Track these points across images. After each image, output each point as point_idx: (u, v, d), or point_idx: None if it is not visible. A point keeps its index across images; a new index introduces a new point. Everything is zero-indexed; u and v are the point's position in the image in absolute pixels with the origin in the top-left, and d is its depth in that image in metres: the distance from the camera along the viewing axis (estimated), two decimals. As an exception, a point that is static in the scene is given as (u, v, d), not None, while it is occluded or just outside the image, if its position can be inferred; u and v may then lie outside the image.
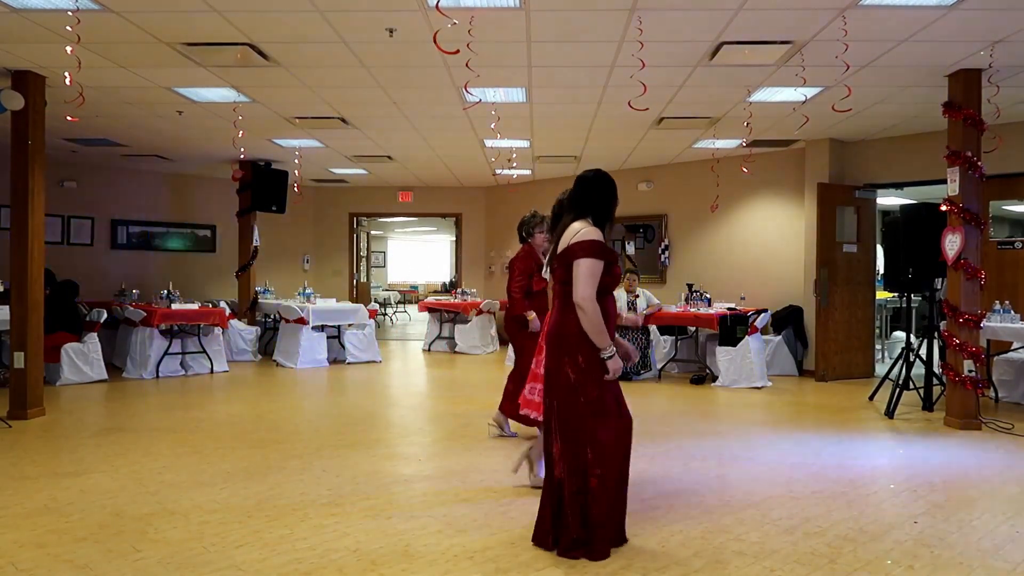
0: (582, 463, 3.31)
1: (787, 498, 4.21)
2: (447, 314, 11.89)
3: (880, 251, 9.55)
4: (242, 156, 10.04)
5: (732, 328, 8.29)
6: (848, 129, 8.39)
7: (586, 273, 3.27)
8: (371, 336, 10.43)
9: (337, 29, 5.21)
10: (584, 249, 3.30)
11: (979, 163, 6.06)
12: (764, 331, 8.94)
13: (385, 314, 18.41)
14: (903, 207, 7.47)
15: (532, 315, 5.45)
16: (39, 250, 6.38)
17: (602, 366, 3.31)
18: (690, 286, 9.28)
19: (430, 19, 4.89)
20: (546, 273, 5.34)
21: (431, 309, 12.10)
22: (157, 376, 8.66)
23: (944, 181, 6.31)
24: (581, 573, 3.14)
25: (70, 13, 4.80)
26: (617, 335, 3.80)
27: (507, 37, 5.35)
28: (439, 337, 11.95)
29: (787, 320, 9.30)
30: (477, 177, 12.48)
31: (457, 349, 11.63)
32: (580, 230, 3.36)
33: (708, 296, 9.03)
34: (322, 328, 9.97)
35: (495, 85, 6.57)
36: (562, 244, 3.41)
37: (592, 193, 3.47)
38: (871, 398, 7.46)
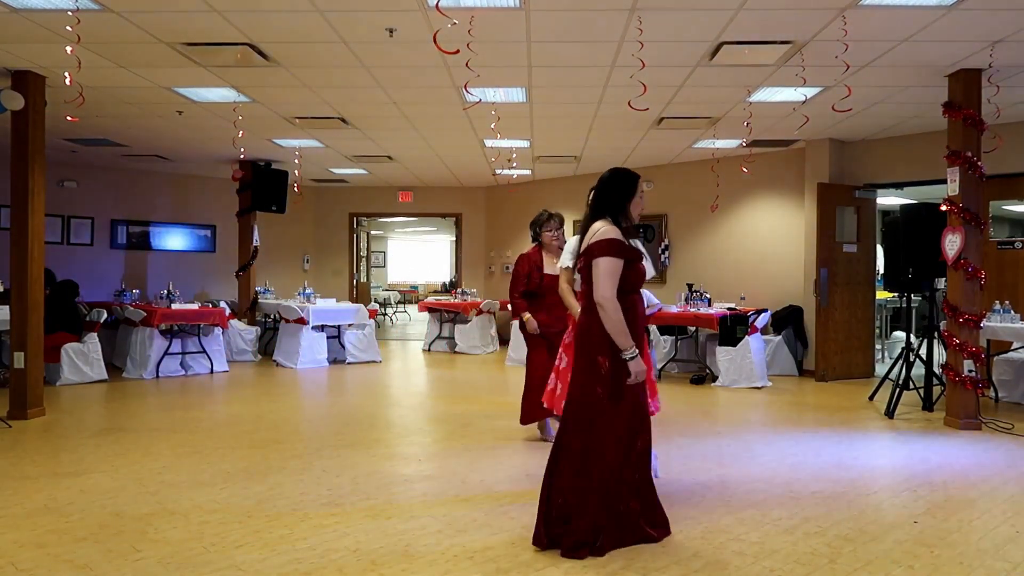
0: (593, 464, 3.31)
1: (787, 498, 4.21)
2: (447, 314, 11.89)
3: (880, 251, 9.55)
4: (242, 156, 10.04)
5: (732, 328, 8.29)
6: (848, 129, 8.39)
7: (604, 272, 3.29)
8: (371, 336, 10.43)
9: (337, 29, 5.21)
10: (601, 248, 3.32)
11: (979, 163, 6.06)
12: (764, 331, 8.94)
13: (385, 314, 18.41)
14: (903, 207, 7.46)
15: (527, 316, 5.48)
16: (39, 250, 6.38)
17: (624, 368, 3.29)
18: (690, 286, 9.28)
19: (430, 19, 4.89)
20: (550, 269, 5.46)
21: (431, 309, 12.10)
22: (157, 376, 8.66)
23: (944, 181, 6.31)
24: (581, 573, 3.14)
25: (70, 13, 4.80)
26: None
27: (507, 37, 5.35)
28: (439, 337, 11.95)
29: (787, 320, 9.30)
30: (477, 177, 12.48)
31: (457, 349, 11.63)
32: (599, 229, 3.39)
33: (708, 296, 9.03)
34: (322, 328, 9.97)
35: (495, 85, 6.57)
36: (584, 245, 3.45)
37: (610, 192, 3.49)
38: (871, 398, 7.46)
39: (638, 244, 3.58)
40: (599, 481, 3.30)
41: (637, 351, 3.30)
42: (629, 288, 3.35)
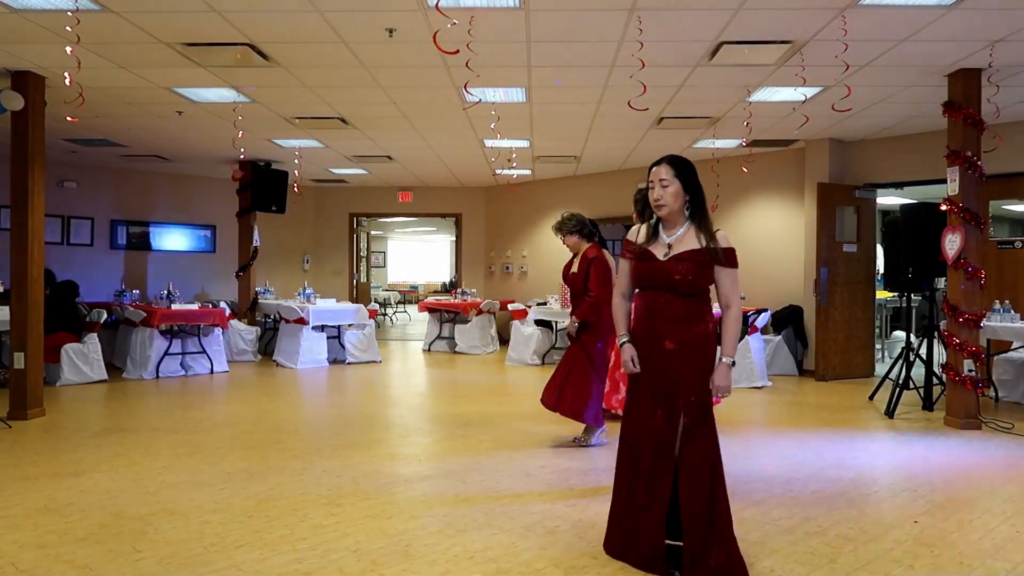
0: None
1: (787, 498, 4.21)
2: (447, 314, 11.89)
3: (880, 251, 9.55)
4: (242, 156, 10.04)
5: (732, 328, 8.28)
6: (848, 129, 8.39)
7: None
8: (371, 336, 10.43)
9: (337, 29, 5.21)
10: None
11: (979, 163, 6.06)
12: (764, 331, 8.94)
13: (385, 314, 18.40)
14: (903, 207, 7.47)
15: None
16: (39, 250, 6.38)
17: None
18: (690, 286, 9.26)
19: (430, 19, 4.89)
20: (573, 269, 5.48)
21: (431, 309, 12.09)
22: (157, 376, 8.66)
23: (944, 181, 6.31)
24: (581, 573, 3.14)
25: (70, 13, 4.80)
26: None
27: (507, 37, 5.35)
28: (439, 337, 11.95)
29: (787, 320, 9.30)
30: (477, 177, 12.47)
31: (457, 349, 11.62)
32: None
33: (708, 296, 9.01)
34: (322, 328, 9.96)
35: (495, 85, 6.57)
36: None
37: None
38: (871, 398, 7.46)
39: (667, 239, 3.32)
40: (617, 483, 3.29)
41: (625, 339, 3.27)
42: (641, 284, 3.30)
